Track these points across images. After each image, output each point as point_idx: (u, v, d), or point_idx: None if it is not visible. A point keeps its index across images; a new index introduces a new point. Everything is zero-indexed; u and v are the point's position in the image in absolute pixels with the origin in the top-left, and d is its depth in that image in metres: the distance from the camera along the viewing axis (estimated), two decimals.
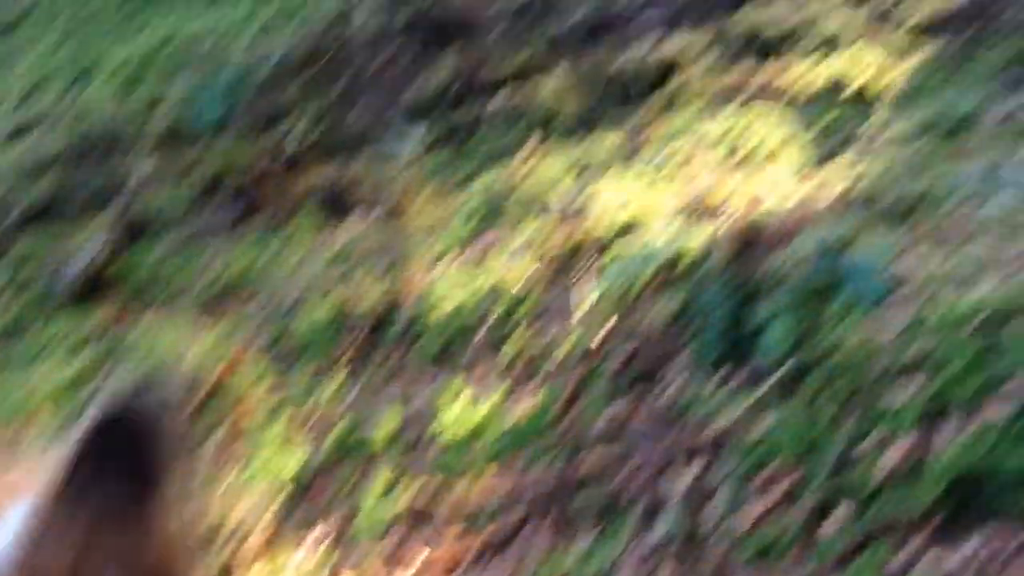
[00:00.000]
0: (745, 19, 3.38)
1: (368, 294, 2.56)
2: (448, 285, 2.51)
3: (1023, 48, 2.88)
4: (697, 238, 2.31)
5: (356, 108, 3.51)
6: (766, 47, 3.25)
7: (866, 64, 2.97)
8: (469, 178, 2.91)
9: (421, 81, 3.51)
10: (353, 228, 2.86)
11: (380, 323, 2.49)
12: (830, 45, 3.13)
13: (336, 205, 3.00)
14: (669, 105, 3.06)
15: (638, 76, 3.23)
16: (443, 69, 3.52)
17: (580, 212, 2.60)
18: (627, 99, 3.17)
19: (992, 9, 3.10)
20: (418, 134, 3.24)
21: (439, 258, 2.62)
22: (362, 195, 3.02)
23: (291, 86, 3.69)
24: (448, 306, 2.45)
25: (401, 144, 3.23)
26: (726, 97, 3.02)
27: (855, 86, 2.88)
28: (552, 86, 3.24)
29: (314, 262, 2.75)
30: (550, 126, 3.07)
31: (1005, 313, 1.73)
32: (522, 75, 3.37)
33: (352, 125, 3.39)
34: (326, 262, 2.73)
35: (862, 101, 2.84)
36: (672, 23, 3.58)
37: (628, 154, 2.82)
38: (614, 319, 2.22)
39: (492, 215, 2.72)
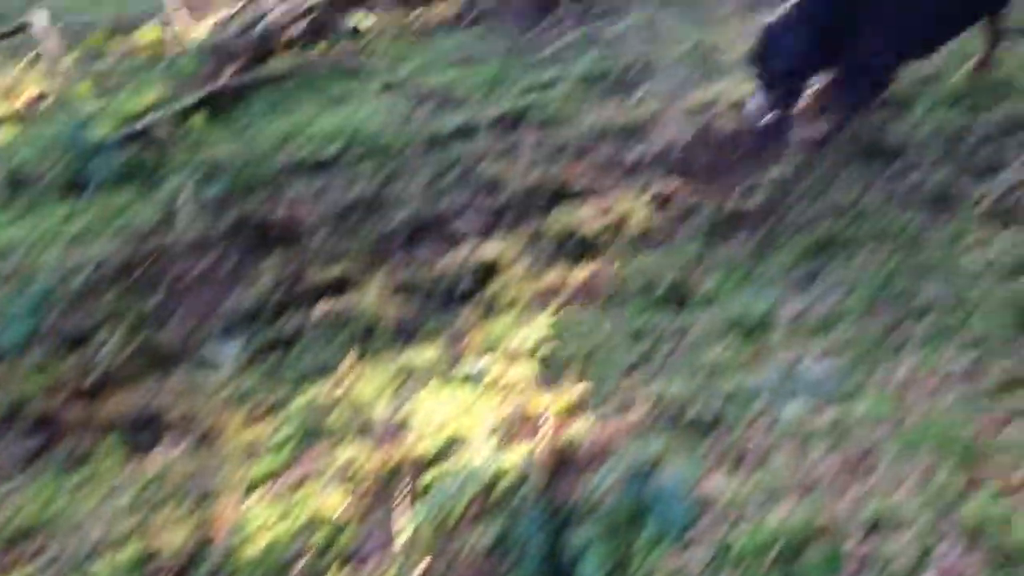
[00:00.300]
0: (558, 221, 3.51)
1: (176, 532, 2.41)
2: (263, 517, 2.39)
3: (808, 246, 3.08)
4: (514, 458, 2.30)
5: (172, 321, 3.41)
6: (580, 248, 3.37)
7: (671, 264, 3.11)
8: (287, 397, 2.84)
9: (241, 290, 3.46)
10: (163, 457, 2.71)
11: (188, 565, 2.33)
12: (637, 246, 3.28)
13: (145, 432, 2.85)
14: (488, 310, 3.10)
15: (458, 281, 3.28)
16: (265, 276, 3.49)
17: (399, 431, 2.56)
18: (448, 304, 3.21)
19: (779, 210, 3.34)
20: (236, 349, 3.16)
21: (254, 487, 2.50)
22: (174, 419, 2.88)
23: (105, 298, 3.56)
24: (262, 541, 2.33)
25: (218, 360, 3.14)
26: (543, 300, 3.09)
27: (663, 287, 3.00)
28: (373, 293, 3.24)
29: (119, 498, 2.57)
30: (371, 336, 3.05)
31: (802, 538, 1.77)
32: (344, 282, 3.37)
33: (167, 340, 3.28)
34: (132, 497, 2.57)
35: (670, 302, 2.95)
36: (490, 226, 3.69)
37: (448, 365, 2.82)
38: (434, 550, 2.15)
39: (310, 437, 2.64)
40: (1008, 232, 2.96)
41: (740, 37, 5.34)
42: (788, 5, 3.70)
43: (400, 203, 3.96)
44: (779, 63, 3.65)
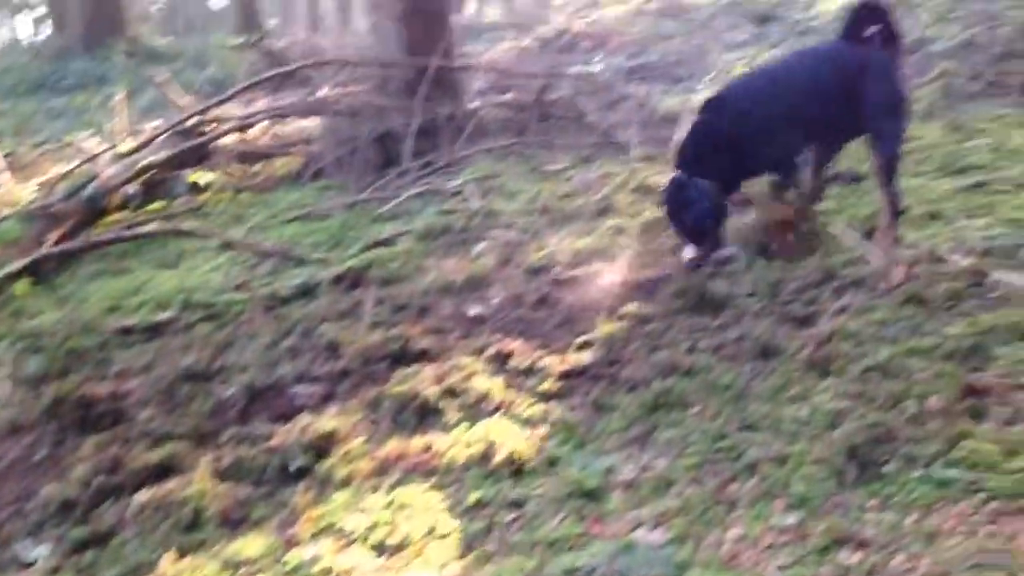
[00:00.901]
0: (398, 385, 3.46)
1: None
2: None
3: (642, 405, 3.13)
4: None
5: None
6: (420, 414, 3.31)
7: (510, 428, 3.09)
8: None
9: (56, 479, 3.23)
10: None
11: None
12: (476, 412, 3.25)
13: None
14: (323, 488, 2.98)
15: (291, 457, 3.16)
16: (83, 462, 3.27)
17: None
18: (281, 484, 3.07)
19: (614, 367, 3.39)
20: (47, 547, 2.92)
21: None
22: None
23: None
24: None
25: (27, 561, 2.88)
26: (381, 473, 3.00)
27: (501, 454, 2.96)
28: (200, 477, 3.07)
29: None
30: (196, 526, 2.87)
31: None
32: (169, 465, 3.19)
33: None
34: None
35: (508, 471, 2.91)
36: (329, 393, 3.60)
37: (279, 554, 2.67)
38: None
39: None
40: (827, 382, 3.08)
41: (578, 187, 5.57)
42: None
43: (235, 371, 3.83)
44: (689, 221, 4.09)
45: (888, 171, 3.99)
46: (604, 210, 5.09)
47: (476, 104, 6.65)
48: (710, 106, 4.22)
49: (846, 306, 3.50)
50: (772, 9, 13.81)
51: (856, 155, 5.27)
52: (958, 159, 4.91)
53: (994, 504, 2.34)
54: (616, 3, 15.75)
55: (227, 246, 5.08)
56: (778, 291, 3.74)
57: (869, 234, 4.06)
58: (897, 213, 4.01)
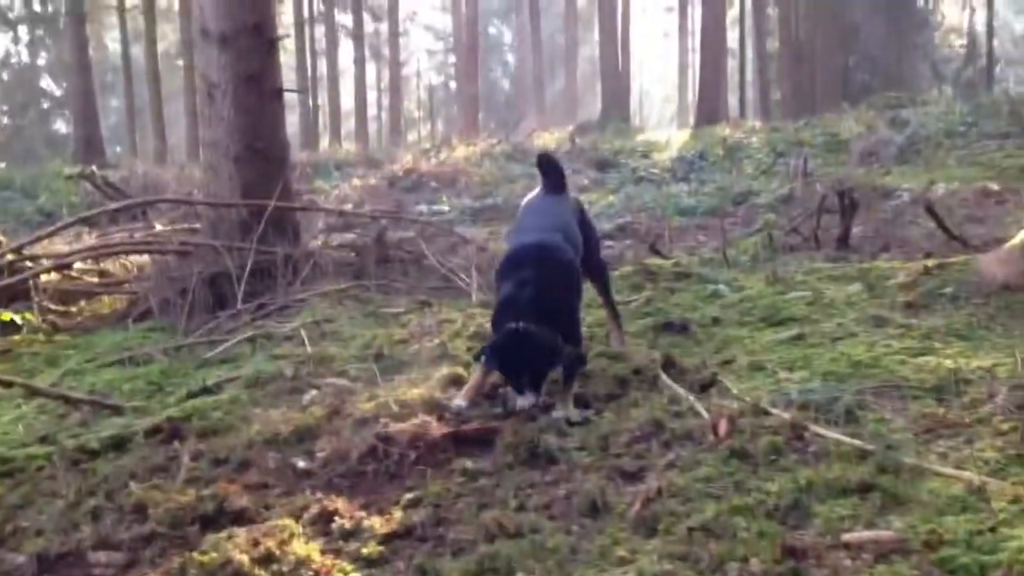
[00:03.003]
0: (209, 551, 3.20)
1: None
2: None
3: (469, 569, 2.98)
4: None
5: None
6: None
7: None
8: None
9: None
10: None
11: None
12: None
13: None
14: None
15: None
16: None
17: None
18: None
19: (440, 528, 3.25)
20: None
21: None
22: None
23: None
24: None
25: None
26: None
27: None
28: None
29: None
30: None
31: None
32: None
33: None
34: None
35: None
36: (130, 563, 3.30)
37: None
38: None
39: None
40: (654, 542, 3.03)
41: (415, 333, 5.50)
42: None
43: (29, 536, 3.48)
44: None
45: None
46: (440, 357, 5.02)
47: (315, 245, 6.56)
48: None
49: (673, 461, 3.51)
50: (613, 157, 14.55)
51: (684, 303, 5.46)
52: (779, 311, 5.12)
53: None
54: (465, 144, 16.22)
55: (34, 394, 4.71)
56: (608, 444, 3.72)
57: (702, 387, 4.14)
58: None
